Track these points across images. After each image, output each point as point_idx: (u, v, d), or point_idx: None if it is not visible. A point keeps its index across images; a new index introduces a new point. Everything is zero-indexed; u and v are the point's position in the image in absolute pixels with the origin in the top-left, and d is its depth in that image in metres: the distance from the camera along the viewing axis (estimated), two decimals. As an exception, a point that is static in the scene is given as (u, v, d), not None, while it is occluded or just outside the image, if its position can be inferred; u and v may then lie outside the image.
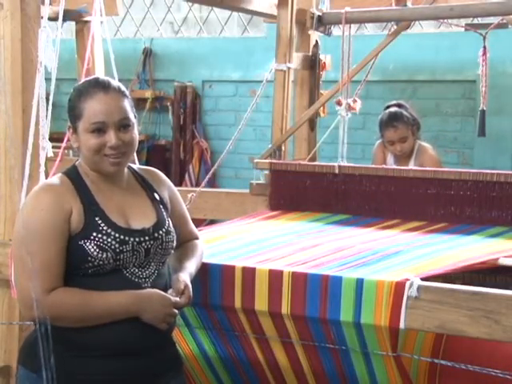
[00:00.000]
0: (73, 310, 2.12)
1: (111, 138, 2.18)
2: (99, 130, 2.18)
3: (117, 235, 2.17)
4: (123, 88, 2.26)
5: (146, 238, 2.23)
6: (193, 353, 2.69)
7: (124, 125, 2.21)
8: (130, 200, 2.28)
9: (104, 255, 2.14)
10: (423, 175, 3.40)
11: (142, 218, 2.26)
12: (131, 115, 2.24)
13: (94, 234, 2.15)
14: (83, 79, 2.32)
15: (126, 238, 2.18)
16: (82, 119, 2.20)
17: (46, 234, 2.12)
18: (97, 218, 2.17)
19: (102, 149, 2.18)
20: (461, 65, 6.16)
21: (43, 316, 2.12)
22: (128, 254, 2.18)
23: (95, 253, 2.13)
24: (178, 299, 2.20)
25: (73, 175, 2.24)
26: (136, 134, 2.25)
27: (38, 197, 2.18)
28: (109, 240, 2.15)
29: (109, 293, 2.14)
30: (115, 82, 2.26)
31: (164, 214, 2.32)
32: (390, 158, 4.67)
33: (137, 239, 2.20)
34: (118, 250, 2.16)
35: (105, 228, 2.17)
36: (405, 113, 4.58)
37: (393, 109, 4.64)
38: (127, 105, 2.23)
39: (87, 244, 2.14)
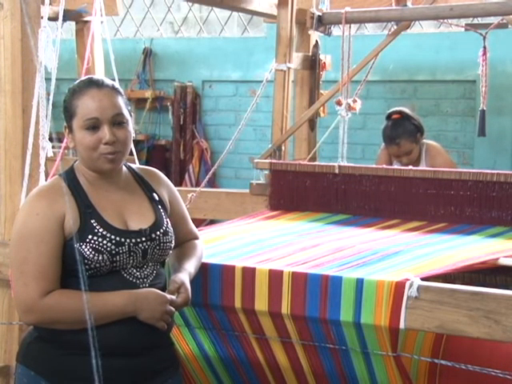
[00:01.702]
0: (69, 312, 2.11)
1: (105, 133, 2.17)
2: (93, 126, 2.18)
3: (112, 237, 2.17)
4: (117, 86, 2.26)
5: (143, 238, 2.22)
6: (193, 353, 2.69)
7: (118, 121, 2.20)
8: (128, 200, 2.28)
9: (100, 257, 2.14)
10: (423, 175, 3.40)
11: (139, 219, 2.25)
12: (125, 112, 2.23)
13: (90, 237, 2.15)
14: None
15: (122, 240, 2.18)
16: (75, 117, 2.19)
17: (39, 239, 2.12)
18: (92, 221, 2.17)
19: (98, 146, 2.18)
20: (461, 65, 6.16)
21: (40, 320, 2.13)
22: (124, 255, 2.18)
23: (91, 255, 2.13)
24: (174, 297, 2.20)
25: (69, 178, 2.24)
26: (131, 131, 2.25)
27: (32, 202, 2.18)
28: (104, 242, 2.15)
29: (105, 294, 2.14)
30: (109, 81, 2.26)
31: (162, 214, 2.31)
32: (396, 163, 4.58)
33: (133, 240, 2.20)
34: (113, 252, 2.16)
35: (100, 230, 2.16)
36: (407, 125, 4.45)
37: (394, 121, 4.50)
38: (121, 102, 2.23)
39: (83, 247, 2.13)
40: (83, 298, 2.11)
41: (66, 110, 2.23)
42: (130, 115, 2.26)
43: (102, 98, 2.19)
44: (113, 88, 2.23)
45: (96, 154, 2.19)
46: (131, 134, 2.25)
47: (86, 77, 2.30)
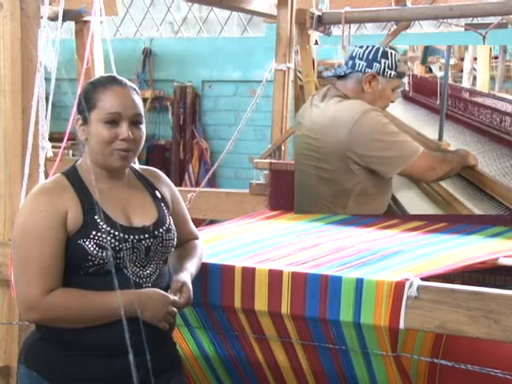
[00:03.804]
0: (72, 310, 2.12)
1: (124, 130, 2.18)
2: (113, 121, 2.18)
3: (116, 233, 2.17)
4: (137, 88, 2.30)
5: (146, 235, 2.22)
6: (193, 353, 2.69)
7: (136, 121, 2.22)
8: (131, 197, 2.28)
9: (104, 253, 2.14)
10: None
11: (142, 215, 2.26)
12: (143, 113, 2.26)
13: (94, 233, 2.15)
14: (82, 79, 2.33)
15: (126, 236, 2.18)
16: (96, 109, 2.20)
17: (42, 236, 2.12)
18: (96, 217, 2.17)
19: (114, 141, 2.19)
20: (461, 65, 6.15)
21: (42, 318, 2.13)
22: (128, 251, 2.18)
23: (95, 251, 2.13)
24: (176, 298, 2.20)
25: (71, 175, 2.24)
26: (144, 133, 2.27)
27: (35, 199, 2.18)
28: (108, 238, 2.15)
29: (107, 293, 2.13)
30: (129, 82, 2.29)
31: (165, 211, 2.32)
32: None
33: (137, 237, 2.20)
34: (117, 248, 2.16)
35: (104, 226, 2.16)
36: None
37: None
38: (140, 103, 2.26)
39: (87, 243, 2.13)
40: (85, 297, 2.12)
41: (84, 101, 2.23)
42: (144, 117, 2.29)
43: (126, 96, 2.21)
44: (134, 89, 2.26)
45: (109, 149, 2.19)
46: (144, 136, 2.27)
47: (108, 74, 2.33)
